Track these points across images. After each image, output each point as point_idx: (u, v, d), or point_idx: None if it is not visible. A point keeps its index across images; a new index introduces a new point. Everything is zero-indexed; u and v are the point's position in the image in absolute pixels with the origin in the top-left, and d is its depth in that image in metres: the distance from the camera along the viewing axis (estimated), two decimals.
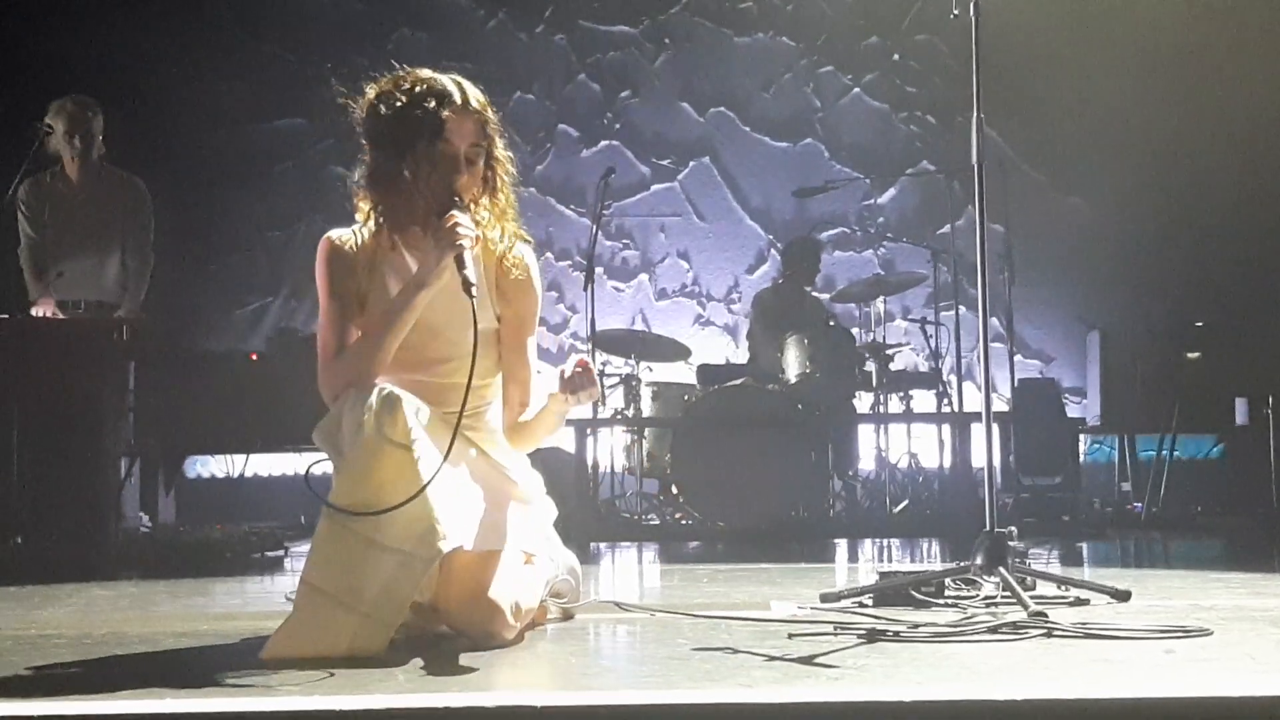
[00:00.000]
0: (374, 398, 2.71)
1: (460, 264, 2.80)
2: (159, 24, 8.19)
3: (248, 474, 6.44)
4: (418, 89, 2.89)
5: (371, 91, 2.95)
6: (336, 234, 3.00)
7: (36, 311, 5.81)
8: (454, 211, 2.84)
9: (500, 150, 2.98)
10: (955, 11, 3.45)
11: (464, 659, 2.59)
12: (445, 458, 2.70)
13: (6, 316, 5.47)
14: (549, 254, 8.83)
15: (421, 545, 2.64)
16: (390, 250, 2.96)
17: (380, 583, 2.62)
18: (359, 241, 2.98)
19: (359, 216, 3.00)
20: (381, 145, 2.91)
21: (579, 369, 2.97)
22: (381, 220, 2.94)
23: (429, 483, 2.65)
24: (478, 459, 2.95)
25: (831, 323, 7.32)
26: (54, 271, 6.01)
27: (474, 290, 2.78)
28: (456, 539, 2.70)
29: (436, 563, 2.69)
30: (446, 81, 2.92)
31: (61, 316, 5.81)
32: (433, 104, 2.86)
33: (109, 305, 6.14)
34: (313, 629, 2.61)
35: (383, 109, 2.90)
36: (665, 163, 9.06)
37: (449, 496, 2.74)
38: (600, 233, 7.75)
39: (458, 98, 2.89)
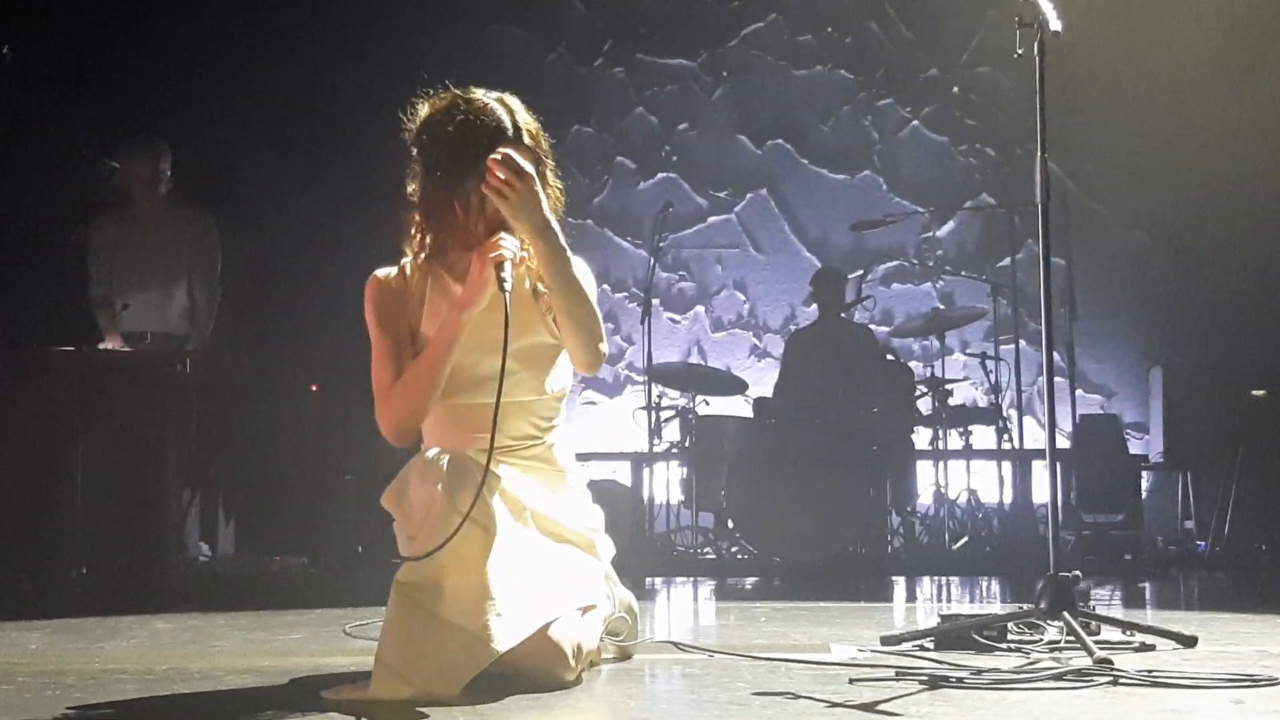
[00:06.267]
0: (445, 467, 2.71)
1: (499, 268, 2.74)
2: (229, 56, 8.27)
3: (307, 504, 6.46)
4: (472, 120, 2.85)
5: (424, 109, 2.93)
6: (382, 273, 2.98)
7: (105, 346, 5.88)
8: (502, 235, 2.80)
9: (551, 179, 2.92)
10: (1019, 50, 3.42)
11: (524, 700, 2.59)
12: (482, 484, 2.65)
13: (72, 349, 5.55)
14: (605, 285, 8.84)
15: (489, 634, 2.63)
16: (436, 278, 2.93)
17: (440, 659, 2.61)
18: (406, 276, 2.96)
19: (407, 250, 2.96)
20: (432, 173, 2.88)
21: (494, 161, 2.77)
22: (429, 244, 2.91)
23: (458, 529, 2.62)
24: (538, 509, 2.92)
25: (889, 356, 7.26)
26: (119, 304, 6.08)
27: (507, 286, 2.72)
28: (519, 632, 2.67)
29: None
30: (500, 112, 2.88)
31: (127, 349, 5.88)
32: (486, 141, 2.82)
33: (175, 338, 6.21)
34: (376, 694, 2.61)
35: (437, 136, 2.88)
36: (722, 195, 9.04)
37: (516, 571, 2.72)
38: (657, 264, 7.75)
39: (510, 131, 2.86)
